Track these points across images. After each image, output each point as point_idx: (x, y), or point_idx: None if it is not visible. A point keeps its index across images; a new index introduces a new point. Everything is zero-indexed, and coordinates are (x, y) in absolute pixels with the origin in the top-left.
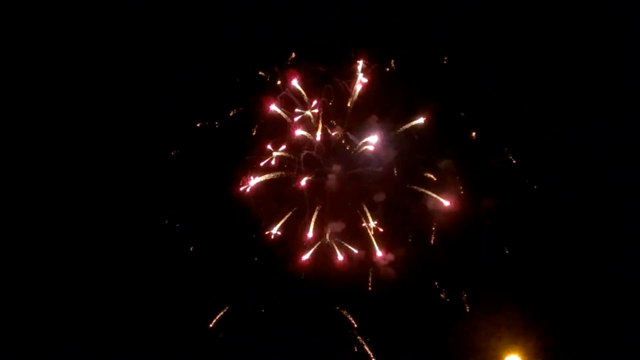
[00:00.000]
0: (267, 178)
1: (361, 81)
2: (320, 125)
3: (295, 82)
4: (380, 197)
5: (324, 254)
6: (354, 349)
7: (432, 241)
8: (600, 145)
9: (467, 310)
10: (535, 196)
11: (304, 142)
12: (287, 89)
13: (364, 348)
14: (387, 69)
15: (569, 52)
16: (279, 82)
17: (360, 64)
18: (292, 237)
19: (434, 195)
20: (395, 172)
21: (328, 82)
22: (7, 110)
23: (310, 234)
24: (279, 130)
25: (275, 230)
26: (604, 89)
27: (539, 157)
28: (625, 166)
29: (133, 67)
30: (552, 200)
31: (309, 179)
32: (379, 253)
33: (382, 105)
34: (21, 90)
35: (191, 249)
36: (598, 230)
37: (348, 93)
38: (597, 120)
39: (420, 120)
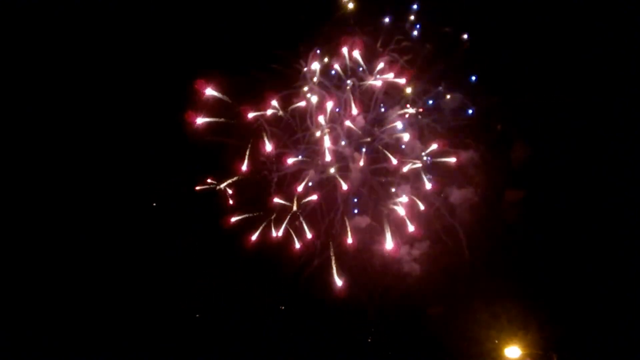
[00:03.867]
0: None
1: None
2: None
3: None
4: (404, 190)
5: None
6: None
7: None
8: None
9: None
10: (535, 191)
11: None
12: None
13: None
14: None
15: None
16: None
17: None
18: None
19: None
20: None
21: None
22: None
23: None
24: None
25: None
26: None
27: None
28: (623, 165)
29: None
30: (552, 196)
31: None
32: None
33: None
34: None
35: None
36: (597, 225)
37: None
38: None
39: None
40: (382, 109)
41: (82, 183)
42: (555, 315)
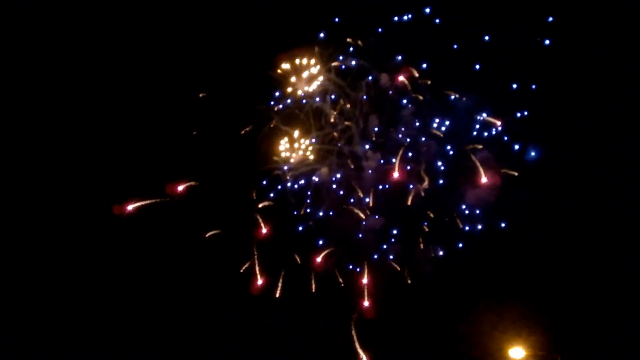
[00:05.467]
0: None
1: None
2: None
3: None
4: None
5: None
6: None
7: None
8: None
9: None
10: (540, 195)
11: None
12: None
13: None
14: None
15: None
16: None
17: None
18: None
19: None
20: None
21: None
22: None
23: None
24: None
25: None
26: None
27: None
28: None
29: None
30: (555, 198)
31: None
32: None
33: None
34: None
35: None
36: (600, 227)
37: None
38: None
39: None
40: (399, 107)
41: (82, 183)
42: (560, 317)
